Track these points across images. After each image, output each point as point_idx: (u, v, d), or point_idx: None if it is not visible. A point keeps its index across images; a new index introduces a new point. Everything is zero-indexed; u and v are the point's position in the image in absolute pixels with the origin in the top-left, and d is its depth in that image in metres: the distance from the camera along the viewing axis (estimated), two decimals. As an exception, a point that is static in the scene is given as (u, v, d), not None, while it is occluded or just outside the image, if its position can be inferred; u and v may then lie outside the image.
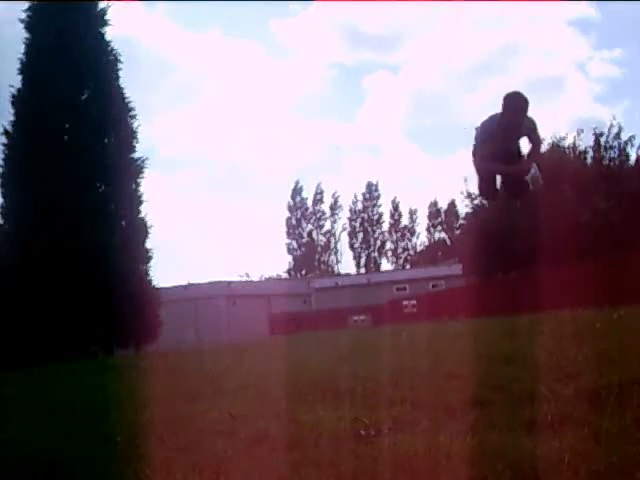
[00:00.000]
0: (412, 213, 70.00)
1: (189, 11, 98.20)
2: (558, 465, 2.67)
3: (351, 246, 69.23)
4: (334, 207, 69.08)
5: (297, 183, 68.93)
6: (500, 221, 24.45)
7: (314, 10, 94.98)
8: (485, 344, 6.12)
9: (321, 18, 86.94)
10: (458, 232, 47.51)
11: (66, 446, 3.97)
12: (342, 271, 65.64)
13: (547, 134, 25.45)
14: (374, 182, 69.14)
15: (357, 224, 69.24)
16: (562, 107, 73.85)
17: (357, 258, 69.11)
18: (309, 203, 69.10)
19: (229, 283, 40.22)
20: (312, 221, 68.72)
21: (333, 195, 69.04)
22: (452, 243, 59.16)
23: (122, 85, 21.71)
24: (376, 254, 69.41)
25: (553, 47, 79.79)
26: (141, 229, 21.35)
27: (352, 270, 66.56)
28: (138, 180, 21.46)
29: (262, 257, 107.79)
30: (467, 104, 77.61)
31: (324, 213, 68.96)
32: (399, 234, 69.96)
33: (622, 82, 74.21)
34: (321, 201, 68.90)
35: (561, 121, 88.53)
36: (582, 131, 26.03)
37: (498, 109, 5.57)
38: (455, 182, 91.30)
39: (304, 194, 68.95)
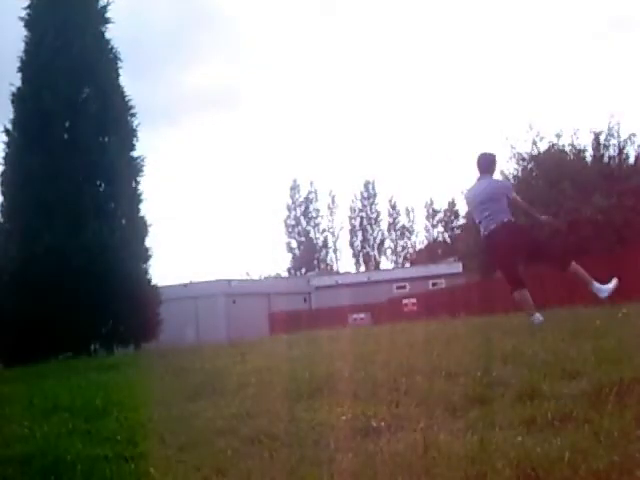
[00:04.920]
0: (410, 211, 70.04)
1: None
2: (558, 463, 2.67)
3: (350, 244, 69.26)
4: (332, 205, 69.12)
5: (294, 181, 68.97)
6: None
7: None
8: (485, 342, 6.12)
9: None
10: (458, 230, 47.47)
11: (66, 445, 3.97)
12: (342, 269, 65.69)
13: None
14: (371, 180, 69.15)
15: (357, 222, 69.26)
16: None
17: (356, 256, 69.16)
18: (305, 202, 69.17)
19: (229, 282, 40.19)
20: (308, 219, 68.78)
21: (330, 193, 69.11)
22: (452, 241, 59.16)
23: (122, 83, 21.73)
24: (375, 252, 69.45)
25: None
26: (141, 228, 21.35)
27: (352, 269, 66.62)
28: (138, 179, 21.47)
29: (262, 256, 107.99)
30: (470, 104, 77.55)
31: (319, 211, 69.04)
32: (398, 232, 70.00)
33: None
34: (316, 199, 68.92)
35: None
36: (578, 130, 25.97)
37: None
38: (455, 181, 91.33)
39: (302, 192, 69.01)
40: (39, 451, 3.89)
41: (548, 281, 19.26)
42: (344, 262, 72.52)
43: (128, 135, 21.36)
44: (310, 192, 68.81)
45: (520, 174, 26.27)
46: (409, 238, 70.21)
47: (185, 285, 38.46)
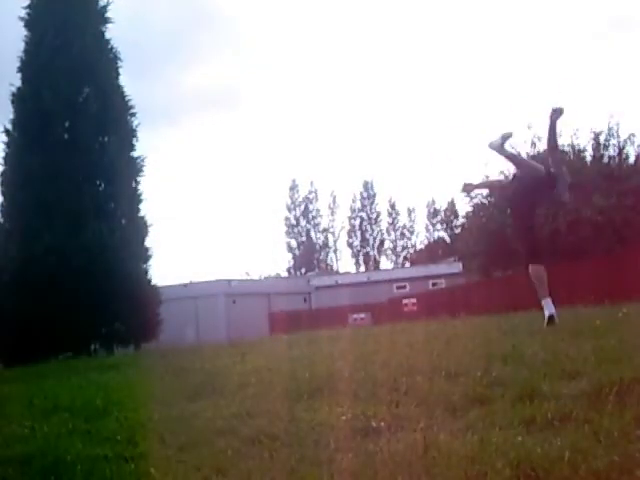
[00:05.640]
0: (412, 211, 70.00)
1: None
2: (558, 463, 2.67)
3: (350, 244, 69.22)
4: (333, 205, 69.10)
5: (294, 181, 68.96)
6: (500, 219, 24.45)
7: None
8: (485, 342, 6.12)
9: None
10: (458, 231, 47.48)
11: (66, 445, 3.97)
12: (342, 269, 65.66)
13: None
14: (370, 180, 69.11)
15: (356, 222, 69.23)
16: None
17: (356, 256, 69.14)
18: (305, 202, 69.14)
19: (229, 282, 40.16)
20: (308, 219, 68.77)
21: (331, 193, 69.11)
22: (452, 241, 59.15)
23: (122, 83, 21.72)
24: (375, 252, 69.43)
25: None
26: (141, 228, 21.35)
27: (352, 269, 66.59)
28: (138, 179, 21.47)
29: (262, 256, 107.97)
30: (470, 104, 77.53)
31: (319, 211, 69.01)
32: (398, 232, 69.97)
33: None
34: (316, 199, 68.88)
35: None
36: (578, 129, 25.95)
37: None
38: (455, 181, 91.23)
39: (302, 192, 68.99)
40: (39, 451, 3.89)
41: (547, 281, 19.21)
42: (344, 262, 72.50)
43: (128, 135, 21.34)
44: (310, 192, 68.80)
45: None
46: (409, 238, 70.21)
47: (185, 285, 38.44)
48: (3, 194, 20.74)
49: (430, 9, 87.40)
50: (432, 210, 69.16)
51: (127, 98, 21.52)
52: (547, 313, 6.96)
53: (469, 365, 4.79)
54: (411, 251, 69.83)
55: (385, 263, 68.73)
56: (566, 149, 25.86)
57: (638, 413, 3.12)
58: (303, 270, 65.24)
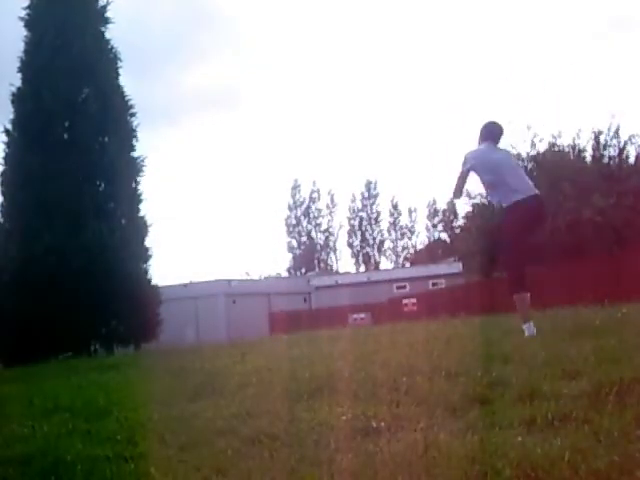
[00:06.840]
0: (413, 211, 70.02)
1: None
2: (558, 463, 2.67)
3: (350, 244, 69.24)
4: (331, 205, 69.13)
5: (295, 181, 69.00)
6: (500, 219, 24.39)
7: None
8: (485, 342, 6.12)
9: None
10: (458, 231, 47.49)
11: (66, 445, 3.97)
12: (342, 269, 65.69)
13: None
14: (373, 180, 69.17)
15: (356, 223, 69.26)
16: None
17: (355, 256, 69.17)
18: (307, 201, 69.21)
19: (229, 282, 40.17)
20: (310, 219, 68.84)
21: (329, 193, 69.15)
22: (452, 241, 59.16)
23: (122, 83, 21.73)
24: (375, 252, 69.46)
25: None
26: (141, 228, 21.35)
27: (352, 269, 66.61)
28: (138, 179, 21.48)
29: (262, 256, 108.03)
30: (471, 104, 77.55)
31: (320, 211, 69.07)
32: (399, 232, 69.99)
33: None
34: (318, 199, 68.94)
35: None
36: (580, 130, 25.94)
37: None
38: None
39: (303, 192, 69.05)
40: (39, 451, 3.89)
41: (547, 281, 19.25)
42: (344, 262, 72.54)
43: (128, 135, 21.36)
44: (313, 191, 68.82)
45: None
46: (409, 238, 70.24)
47: (185, 285, 38.44)
48: (3, 194, 20.75)
49: (431, 9, 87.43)
50: (432, 210, 69.19)
51: (127, 98, 21.54)
52: (528, 334, 6.46)
53: (469, 365, 4.79)
54: (411, 251, 69.86)
55: (385, 263, 68.78)
56: (566, 149, 25.85)
57: (638, 413, 3.12)
58: (303, 270, 65.23)
